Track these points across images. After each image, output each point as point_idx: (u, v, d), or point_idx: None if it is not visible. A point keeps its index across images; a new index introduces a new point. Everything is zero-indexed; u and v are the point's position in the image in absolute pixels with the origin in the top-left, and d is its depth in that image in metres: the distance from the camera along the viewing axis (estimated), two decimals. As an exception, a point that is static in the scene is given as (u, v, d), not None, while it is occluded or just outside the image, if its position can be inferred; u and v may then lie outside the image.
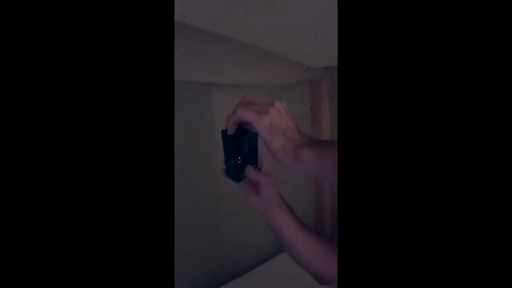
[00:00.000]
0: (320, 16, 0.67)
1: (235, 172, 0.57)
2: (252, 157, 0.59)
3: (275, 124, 0.48)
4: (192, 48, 0.83)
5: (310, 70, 1.26)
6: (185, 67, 0.83)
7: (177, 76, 0.80)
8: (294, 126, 0.50)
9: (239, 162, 0.56)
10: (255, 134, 0.57)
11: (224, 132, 0.54)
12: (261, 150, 0.59)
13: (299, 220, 0.62)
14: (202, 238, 1.11)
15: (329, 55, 1.05)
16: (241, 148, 0.55)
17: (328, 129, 1.46)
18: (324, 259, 0.61)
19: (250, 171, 0.57)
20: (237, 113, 0.49)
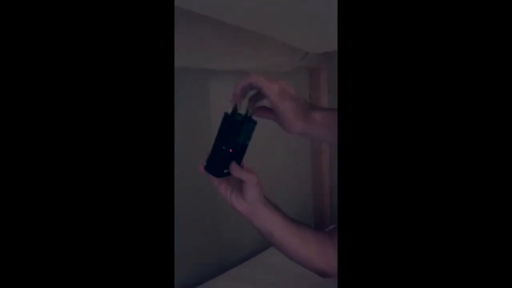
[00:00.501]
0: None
1: (219, 164, 0.55)
2: (240, 154, 0.57)
3: (285, 90, 0.50)
4: (189, 33, 0.80)
5: (308, 56, 1.24)
6: (182, 53, 0.81)
7: (176, 62, 0.79)
8: (301, 96, 0.52)
9: (231, 151, 0.54)
10: (253, 127, 0.55)
11: (226, 115, 0.53)
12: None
13: (288, 216, 0.59)
14: (200, 227, 1.11)
15: (328, 40, 1.03)
16: (239, 135, 0.54)
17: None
18: (323, 252, 0.58)
19: (235, 167, 0.54)
20: (248, 78, 0.50)
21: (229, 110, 0.53)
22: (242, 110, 0.54)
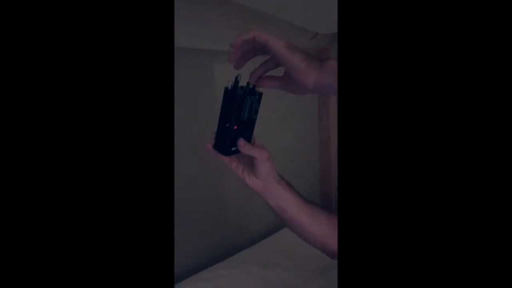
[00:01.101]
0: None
1: (225, 142, 0.52)
2: (247, 130, 0.54)
3: (291, 44, 0.46)
4: (193, 13, 0.78)
5: (317, 36, 1.20)
6: (185, 33, 0.79)
7: (177, 42, 0.77)
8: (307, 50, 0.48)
9: (235, 128, 0.51)
10: (258, 100, 0.52)
11: (227, 89, 0.50)
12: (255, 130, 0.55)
13: (300, 194, 0.58)
14: (208, 209, 1.11)
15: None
16: (242, 110, 0.51)
17: (336, 113, 1.40)
18: (333, 232, 0.57)
19: (243, 144, 0.52)
20: (252, 32, 0.46)
21: (230, 85, 0.50)
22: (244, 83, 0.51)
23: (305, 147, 1.44)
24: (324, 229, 0.58)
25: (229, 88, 0.50)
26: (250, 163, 0.56)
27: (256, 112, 0.54)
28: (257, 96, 0.52)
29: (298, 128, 1.40)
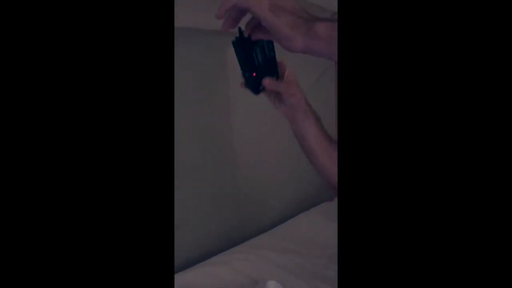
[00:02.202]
0: None
1: (253, 83, 0.57)
2: (270, 68, 0.57)
3: (276, 4, 0.42)
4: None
5: (336, 16, 1.16)
6: (194, 13, 0.77)
7: (184, 23, 0.75)
8: (300, 8, 0.44)
9: (254, 75, 0.55)
10: (271, 43, 0.55)
11: (234, 42, 0.53)
12: (281, 57, 0.57)
13: (324, 129, 0.62)
14: (221, 196, 1.11)
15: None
16: (253, 59, 0.54)
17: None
18: None
19: (268, 82, 0.56)
20: None
21: (235, 38, 0.52)
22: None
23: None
24: (335, 165, 0.60)
25: (235, 41, 0.52)
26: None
27: (272, 49, 0.56)
28: (268, 42, 0.54)
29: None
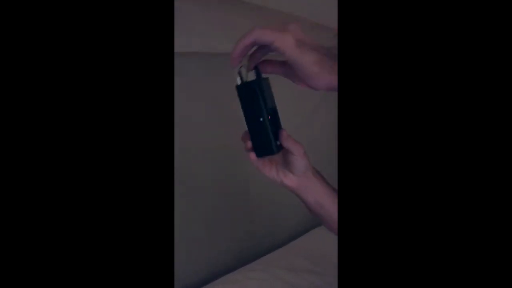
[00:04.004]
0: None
1: (267, 137, 0.47)
2: (275, 121, 0.48)
3: (302, 40, 0.41)
4: (210, 15, 0.78)
5: (339, 34, 1.18)
6: (203, 36, 0.79)
7: (193, 47, 0.78)
8: (320, 44, 0.42)
9: (269, 118, 0.46)
10: (269, 85, 0.48)
11: (239, 86, 0.46)
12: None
13: (335, 188, 0.54)
14: (234, 211, 1.11)
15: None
16: (264, 98, 0.46)
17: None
18: None
19: (286, 136, 0.47)
20: (252, 33, 0.41)
21: (237, 80, 0.46)
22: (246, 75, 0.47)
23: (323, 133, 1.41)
24: None
25: (239, 83, 0.47)
26: (283, 161, 0.52)
27: (273, 98, 0.49)
28: (266, 80, 0.48)
29: (323, 122, 1.37)
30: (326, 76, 0.41)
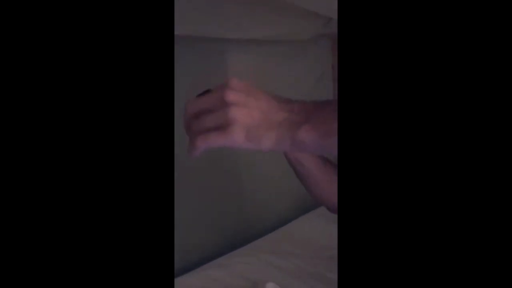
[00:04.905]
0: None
1: None
2: None
3: (246, 123, 0.35)
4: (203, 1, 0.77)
5: (331, 22, 1.18)
6: (195, 21, 0.78)
7: (186, 31, 0.77)
8: (271, 98, 0.36)
9: None
10: None
11: None
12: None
13: None
14: (222, 199, 1.12)
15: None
16: None
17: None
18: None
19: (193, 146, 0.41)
20: (197, 145, 0.36)
21: None
22: None
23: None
24: (334, 186, 0.56)
25: None
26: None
27: None
28: None
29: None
30: (290, 153, 0.41)
